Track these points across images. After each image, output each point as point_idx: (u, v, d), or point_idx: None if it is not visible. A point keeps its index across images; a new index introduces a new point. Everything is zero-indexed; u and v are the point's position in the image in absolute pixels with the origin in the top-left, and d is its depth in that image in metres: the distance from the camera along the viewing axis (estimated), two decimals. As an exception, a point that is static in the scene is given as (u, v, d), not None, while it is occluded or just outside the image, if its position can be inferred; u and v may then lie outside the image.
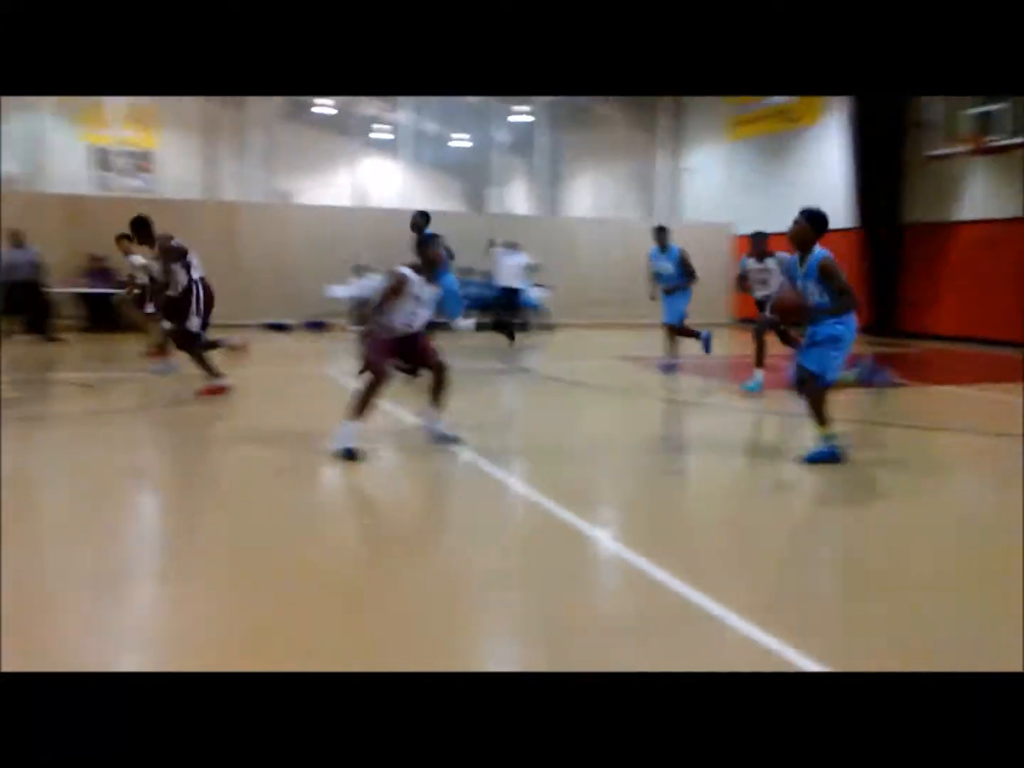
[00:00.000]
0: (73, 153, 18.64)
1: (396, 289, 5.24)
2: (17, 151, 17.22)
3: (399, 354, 5.52)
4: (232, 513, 4.37)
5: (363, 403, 5.19)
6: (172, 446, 6.22)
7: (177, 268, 7.54)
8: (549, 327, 16.28)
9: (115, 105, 18.12)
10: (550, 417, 7.60)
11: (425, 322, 5.60)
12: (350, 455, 5.09)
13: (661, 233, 9.61)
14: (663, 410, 8.16)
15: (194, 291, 7.55)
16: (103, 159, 19.23)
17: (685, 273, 9.48)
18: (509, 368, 10.90)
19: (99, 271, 14.97)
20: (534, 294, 16.15)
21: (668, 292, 9.58)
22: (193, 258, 7.64)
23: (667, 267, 9.54)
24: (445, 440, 5.59)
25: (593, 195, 23.17)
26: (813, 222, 5.09)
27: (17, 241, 12.89)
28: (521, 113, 21.64)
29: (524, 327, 15.96)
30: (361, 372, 5.36)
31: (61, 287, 14.27)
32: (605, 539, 3.95)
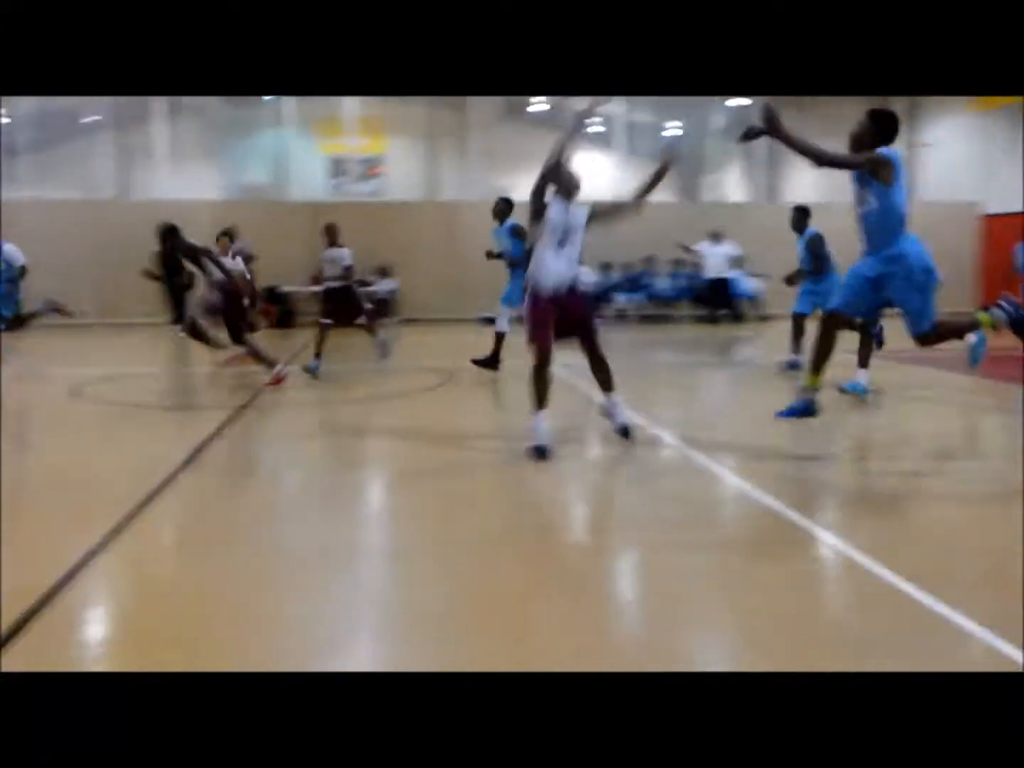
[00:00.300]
0: (312, 162, 20.33)
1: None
2: (265, 163, 19.08)
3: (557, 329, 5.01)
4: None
5: (538, 392, 4.98)
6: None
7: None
8: (764, 318, 15.62)
9: (350, 115, 19.54)
10: (764, 409, 7.29)
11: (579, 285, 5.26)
12: (540, 454, 4.87)
13: (799, 215, 8.58)
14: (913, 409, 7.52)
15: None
16: (338, 167, 20.82)
17: (812, 261, 8.41)
18: (726, 360, 10.58)
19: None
20: (748, 284, 15.57)
21: (788, 280, 8.64)
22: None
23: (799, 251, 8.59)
24: (625, 431, 5.29)
25: (815, 179, 21.88)
26: None
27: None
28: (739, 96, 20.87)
29: (737, 318, 15.45)
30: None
31: (308, 287, 15.65)
32: (830, 539, 3.71)
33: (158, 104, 17.84)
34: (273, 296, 16.16)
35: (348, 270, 9.02)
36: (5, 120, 17.57)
